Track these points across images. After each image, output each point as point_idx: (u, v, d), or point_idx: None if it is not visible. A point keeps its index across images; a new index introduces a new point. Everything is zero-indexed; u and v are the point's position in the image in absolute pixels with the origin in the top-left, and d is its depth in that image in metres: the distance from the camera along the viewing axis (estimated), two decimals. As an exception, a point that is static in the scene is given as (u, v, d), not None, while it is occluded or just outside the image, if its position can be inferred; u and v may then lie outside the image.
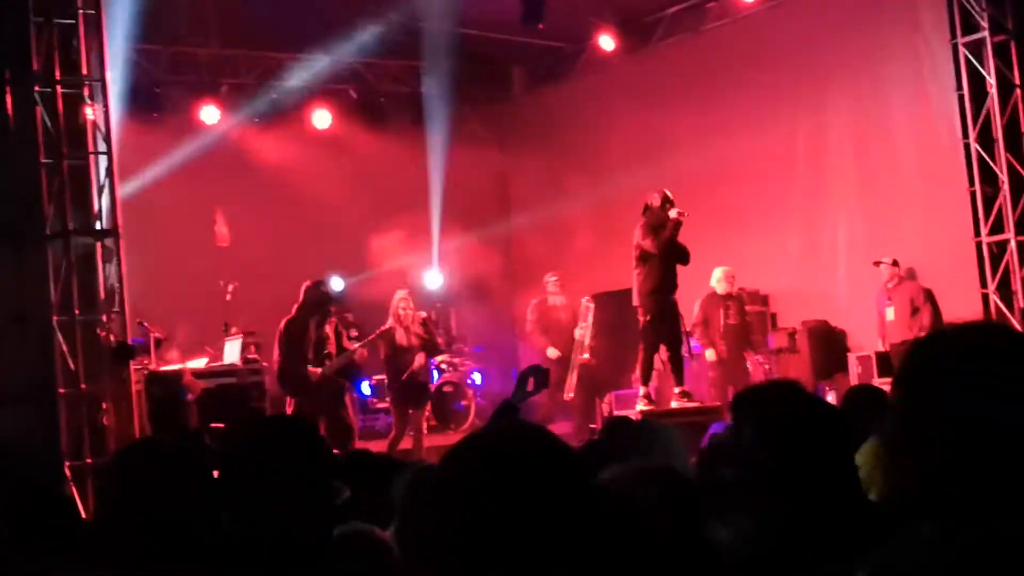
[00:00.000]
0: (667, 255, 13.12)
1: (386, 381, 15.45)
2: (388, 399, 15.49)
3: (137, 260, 12.46)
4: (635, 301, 13.34)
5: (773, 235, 16.77)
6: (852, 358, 15.26)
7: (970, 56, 13.99)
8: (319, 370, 13.79)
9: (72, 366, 11.40)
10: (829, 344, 15.93)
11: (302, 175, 18.25)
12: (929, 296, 14.55)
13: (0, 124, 11.53)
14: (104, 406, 11.54)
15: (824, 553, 2.75)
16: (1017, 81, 13.83)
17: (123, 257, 11.83)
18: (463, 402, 17.29)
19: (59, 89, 11.59)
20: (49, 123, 11.53)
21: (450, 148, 19.37)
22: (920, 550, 1.83)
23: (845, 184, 16.34)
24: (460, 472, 1.93)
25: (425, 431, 15.04)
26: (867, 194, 16.00)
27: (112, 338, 11.73)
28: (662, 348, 13.47)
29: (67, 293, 11.47)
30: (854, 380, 14.54)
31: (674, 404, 13.39)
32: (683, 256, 13.23)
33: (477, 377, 18.17)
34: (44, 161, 11.51)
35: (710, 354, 15.08)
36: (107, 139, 11.87)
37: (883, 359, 14.62)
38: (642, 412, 12.93)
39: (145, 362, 13.66)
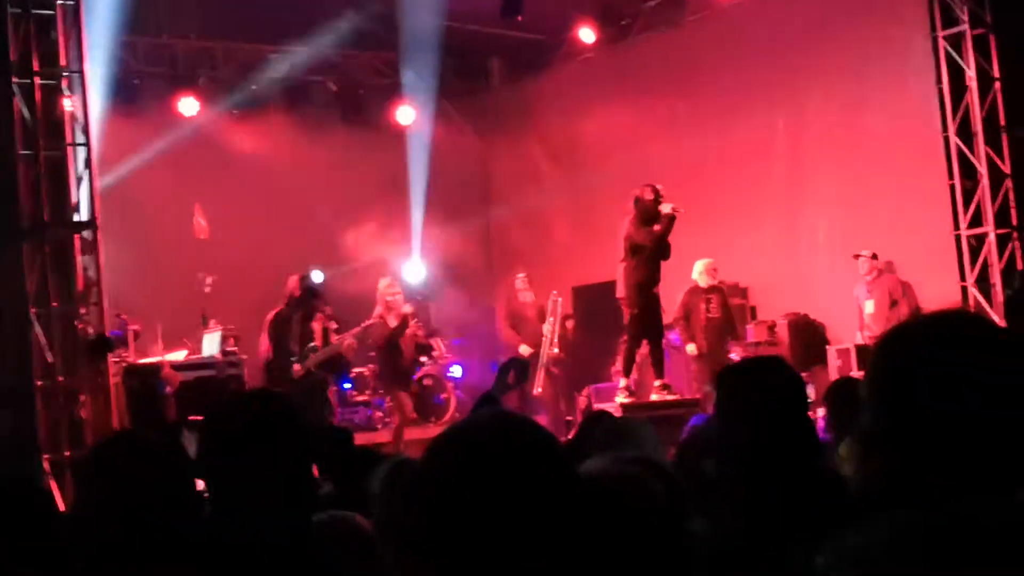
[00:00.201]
0: (656, 250, 13.12)
1: (379, 371, 15.42)
2: (382, 388, 15.44)
3: (115, 252, 12.41)
4: (620, 293, 13.31)
5: (752, 228, 16.78)
6: (831, 351, 15.27)
7: (950, 49, 14.03)
8: (299, 367, 13.78)
9: (49, 359, 11.36)
10: (808, 337, 15.95)
11: (281, 167, 18.21)
12: (908, 289, 14.59)
13: (-23, 115, 11.48)
14: (82, 399, 11.51)
15: (793, 539, 2.75)
16: (996, 74, 13.87)
17: (101, 249, 11.78)
18: (443, 395, 17.26)
19: (37, 80, 11.54)
20: (27, 114, 11.47)
21: (430, 140, 19.33)
22: (878, 534, 1.82)
23: (824, 177, 16.36)
24: (443, 463, 1.91)
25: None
26: (846, 187, 16.02)
27: (90, 331, 11.69)
28: (643, 342, 13.47)
29: (44, 285, 11.42)
30: (833, 373, 14.57)
31: (654, 397, 13.39)
32: (667, 253, 13.24)
33: (457, 370, 18.14)
34: (21, 152, 11.46)
35: (691, 348, 15.08)
36: (85, 131, 11.82)
37: (862, 352, 14.64)
38: (622, 405, 12.94)
39: (123, 355, 13.61)
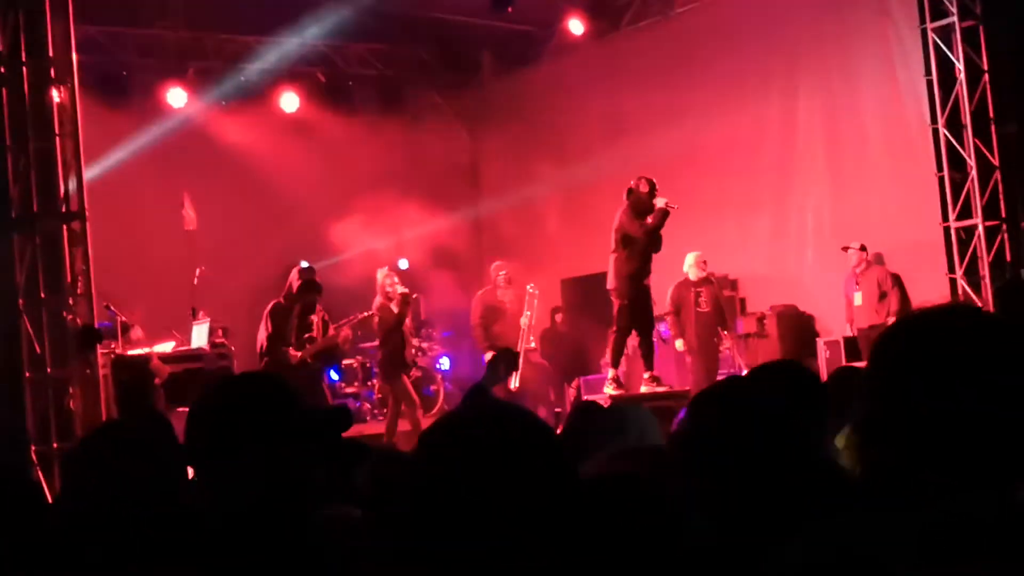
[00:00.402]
0: (648, 242, 13.11)
1: (381, 359, 15.41)
2: (384, 377, 15.43)
3: (104, 243, 12.37)
4: (610, 284, 13.28)
5: (742, 220, 16.81)
6: (820, 343, 15.30)
7: (939, 41, 14.02)
8: (299, 353, 13.77)
9: (38, 350, 11.32)
10: (798, 329, 15.98)
11: (270, 159, 18.20)
12: (897, 281, 14.62)
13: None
14: (71, 390, 11.47)
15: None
16: (986, 66, 13.87)
17: (90, 240, 11.75)
18: (432, 387, 17.28)
19: (25, 71, 11.49)
20: (15, 105, 11.43)
21: (419, 132, 19.32)
22: (852, 525, 1.82)
23: (814, 169, 16.38)
24: (437, 453, 1.90)
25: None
26: (836, 179, 16.05)
27: (79, 322, 11.65)
28: (633, 333, 13.46)
29: (33, 277, 11.38)
30: (822, 364, 14.60)
31: (643, 389, 13.38)
32: (659, 245, 13.22)
33: (445, 362, 18.14)
34: (9, 144, 11.41)
35: (679, 344, 15.06)
36: (73, 122, 11.77)
37: (851, 344, 14.69)
38: (611, 396, 12.93)
39: (112, 346, 13.59)
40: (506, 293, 16.64)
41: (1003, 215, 13.87)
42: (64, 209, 11.65)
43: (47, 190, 11.61)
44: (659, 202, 12.98)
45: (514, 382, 15.92)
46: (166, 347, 14.65)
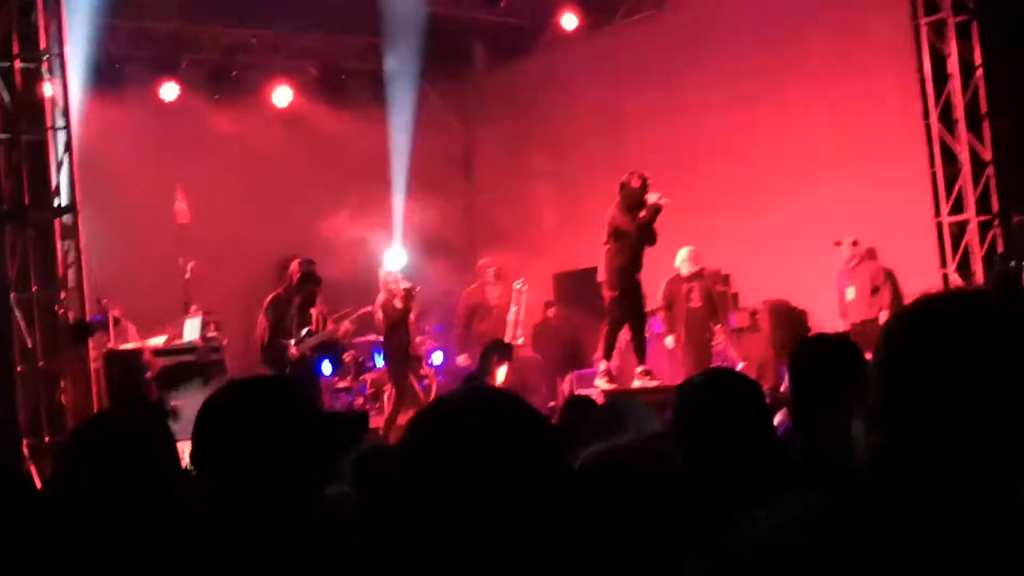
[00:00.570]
0: (641, 236, 13.10)
1: (386, 355, 15.41)
2: (390, 373, 15.42)
3: (96, 237, 12.35)
4: (600, 277, 13.28)
5: (735, 214, 16.78)
6: (813, 337, 15.28)
7: (932, 36, 14.03)
8: (295, 349, 13.76)
9: (29, 343, 11.32)
10: (790, 323, 15.95)
11: (263, 152, 18.16)
12: (889, 276, 14.61)
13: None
14: (62, 384, 11.47)
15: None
16: (978, 62, 13.89)
17: (81, 233, 11.73)
18: (424, 381, 17.24)
19: (17, 64, 11.48)
20: (7, 98, 11.41)
21: (412, 126, 19.28)
22: (816, 506, 1.81)
23: (807, 163, 16.36)
24: (425, 441, 1.88)
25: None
26: (828, 174, 16.03)
27: (70, 315, 11.64)
28: (625, 327, 13.46)
29: (24, 270, 11.37)
30: (815, 359, 14.56)
31: (636, 383, 13.38)
32: (653, 239, 13.21)
33: (438, 356, 18.11)
34: (1, 136, 11.40)
35: (669, 341, 15.05)
36: (66, 114, 11.77)
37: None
38: (604, 391, 12.93)
39: (104, 340, 13.56)
40: (495, 290, 16.65)
41: (995, 210, 13.89)
42: (56, 202, 11.64)
43: (39, 183, 11.61)
44: (651, 198, 12.98)
45: (499, 377, 15.92)
46: (158, 341, 14.63)
